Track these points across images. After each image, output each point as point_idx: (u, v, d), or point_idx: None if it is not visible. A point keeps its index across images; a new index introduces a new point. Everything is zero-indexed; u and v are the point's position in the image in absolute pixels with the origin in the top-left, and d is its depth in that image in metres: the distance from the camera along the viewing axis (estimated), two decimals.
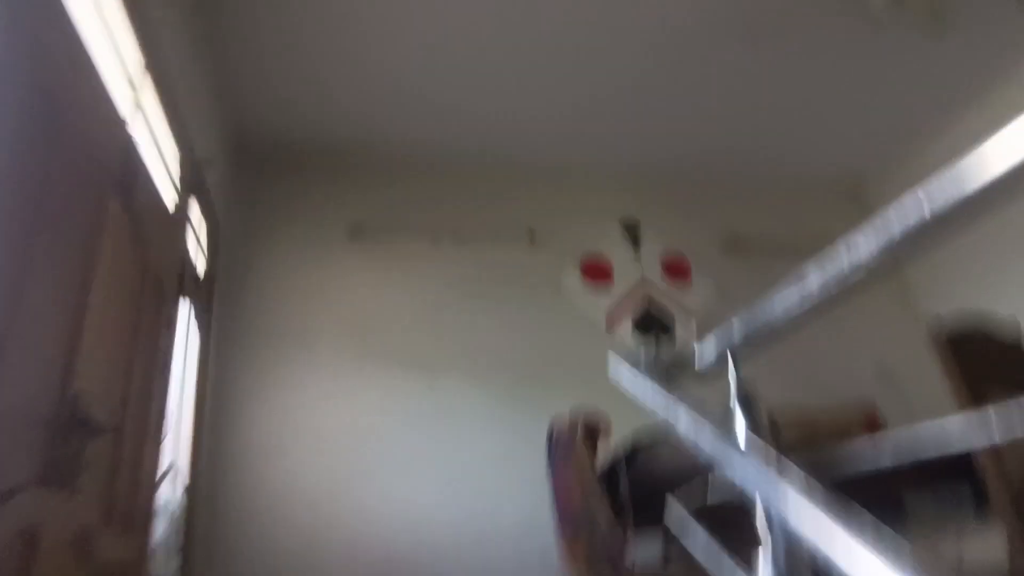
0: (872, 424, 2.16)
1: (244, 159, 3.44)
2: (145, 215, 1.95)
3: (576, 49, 3.16)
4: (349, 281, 3.32)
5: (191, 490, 2.38)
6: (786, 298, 0.84)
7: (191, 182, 2.50)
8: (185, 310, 2.47)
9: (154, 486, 2.04)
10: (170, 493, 2.21)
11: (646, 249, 3.87)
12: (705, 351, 1.08)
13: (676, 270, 3.86)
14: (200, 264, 2.72)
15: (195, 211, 2.64)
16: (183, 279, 2.36)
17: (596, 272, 3.71)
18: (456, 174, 3.77)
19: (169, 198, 2.25)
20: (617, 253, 3.81)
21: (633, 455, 1.95)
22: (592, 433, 1.88)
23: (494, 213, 3.71)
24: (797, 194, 4.36)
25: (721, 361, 1.04)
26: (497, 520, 2.92)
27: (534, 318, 3.49)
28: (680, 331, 3.68)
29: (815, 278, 0.78)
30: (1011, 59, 3.46)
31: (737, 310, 0.99)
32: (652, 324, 3.65)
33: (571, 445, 1.93)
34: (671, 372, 1.11)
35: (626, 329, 3.58)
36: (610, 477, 1.85)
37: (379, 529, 2.77)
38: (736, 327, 0.98)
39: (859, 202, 4.49)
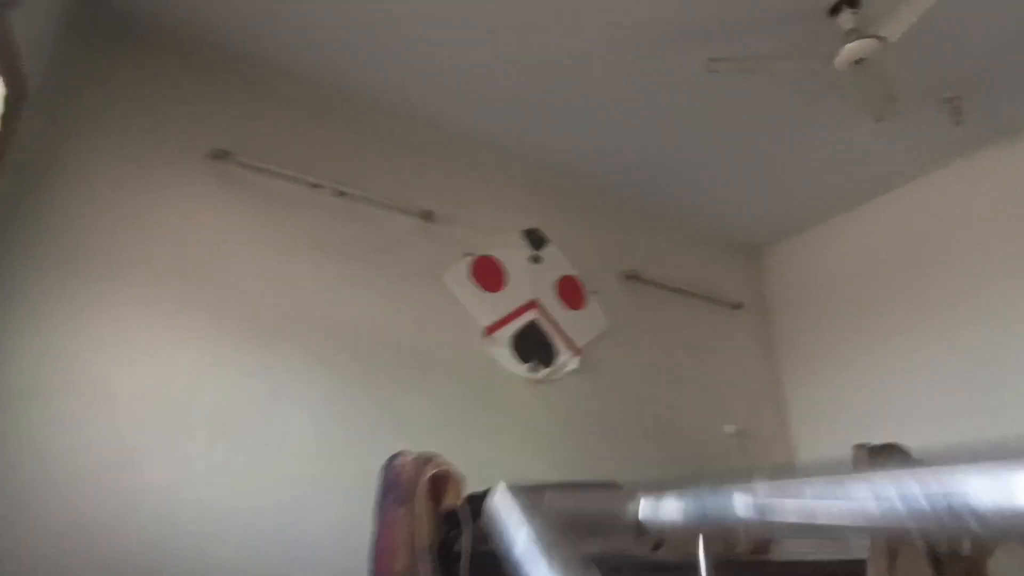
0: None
1: (91, 18, 2.68)
2: None
3: (524, 21, 2.76)
4: (195, 207, 2.67)
5: None
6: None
7: None
8: None
9: None
10: None
11: (545, 265, 3.54)
12: (664, 511, 0.71)
13: (571, 293, 3.57)
14: None
15: None
16: None
17: (486, 274, 3.32)
18: (359, 124, 3.23)
19: None
20: (513, 261, 3.44)
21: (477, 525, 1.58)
22: (438, 488, 1.47)
23: (392, 178, 3.21)
24: (699, 245, 4.27)
25: (680, 532, 0.68)
26: (311, 536, 2.44)
27: (408, 303, 3.04)
28: (561, 360, 3.38)
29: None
30: (929, 157, 3.53)
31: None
32: (533, 347, 3.32)
33: (410, 493, 1.52)
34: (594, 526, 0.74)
35: (503, 343, 3.23)
36: (447, 547, 1.46)
37: (161, 517, 2.19)
38: (736, 500, 0.61)
39: (755, 264, 4.48)
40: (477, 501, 1.75)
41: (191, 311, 2.51)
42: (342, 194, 3.01)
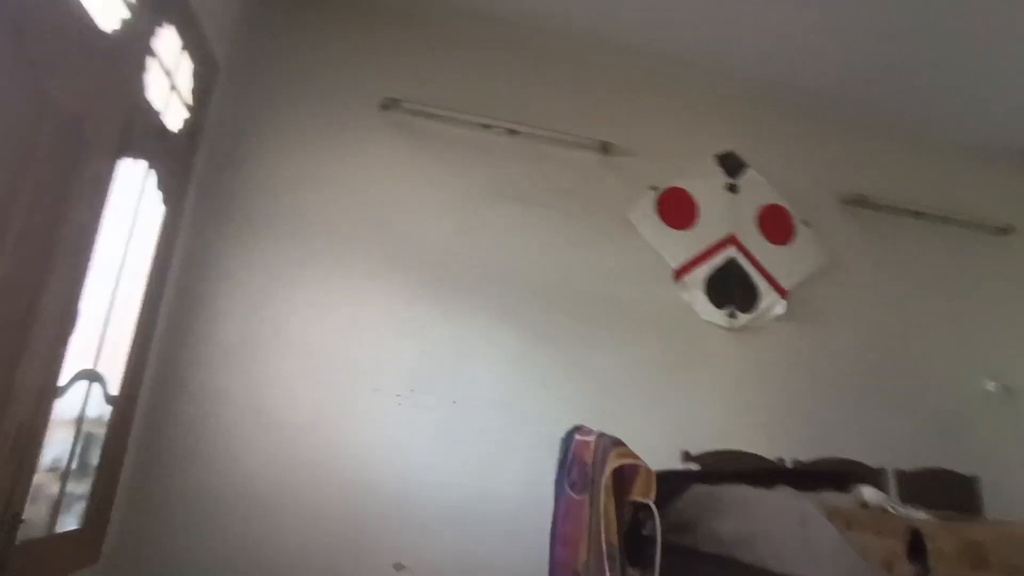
0: None
1: None
2: (44, 30, 1.31)
3: None
4: (371, 161, 2.66)
5: (121, 401, 1.91)
6: None
7: None
8: (138, 172, 1.88)
9: (50, 393, 1.55)
10: (81, 404, 1.72)
11: (744, 194, 3.06)
12: None
13: (776, 226, 3.06)
14: (174, 115, 2.10)
15: (168, 41, 1.98)
16: (131, 129, 1.75)
17: (677, 208, 2.95)
18: (528, 54, 2.97)
19: (110, 13, 1.59)
20: (707, 192, 3.02)
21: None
22: (625, 481, 1.26)
23: (565, 111, 2.93)
24: (949, 157, 3.42)
25: None
26: (499, 485, 2.41)
27: (591, 244, 2.81)
28: (764, 305, 2.94)
29: None
30: None
31: None
32: (731, 289, 2.92)
33: (593, 480, 1.33)
34: None
35: (696, 285, 2.87)
36: (635, 529, 1.26)
37: (357, 475, 2.30)
38: None
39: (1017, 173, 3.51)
40: (671, 481, 1.53)
41: (381, 270, 2.53)
42: (514, 132, 2.82)
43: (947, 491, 2.56)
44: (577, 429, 1.59)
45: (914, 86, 3.02)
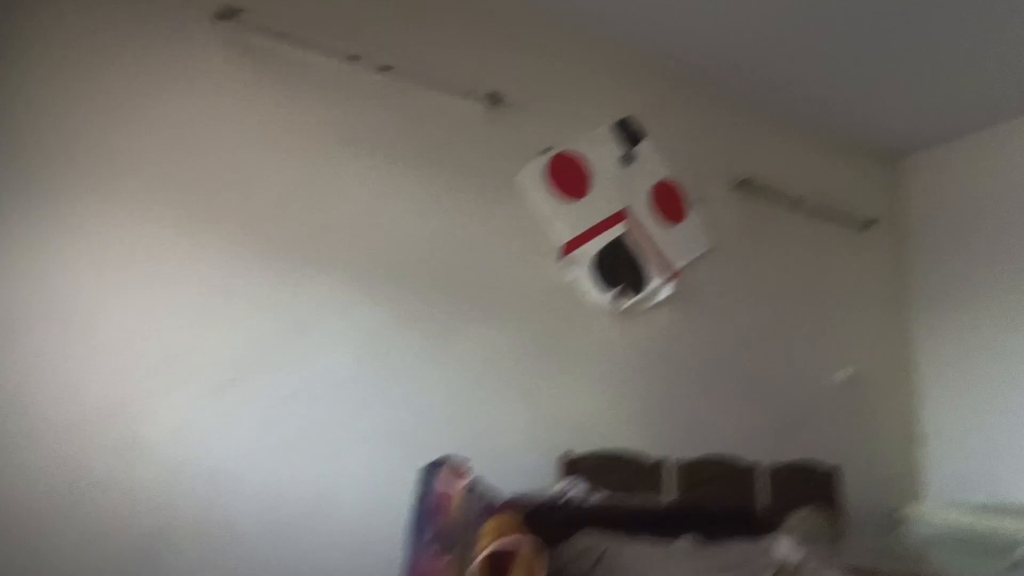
0: None
1: None
2: None
3: None
4: (197, 86, 2.07)
5: None
6: None
7: None
8: None
9: None
10: None
11: (638, 167, 2.83)
12: None
13: (669, 203, 2.88)
14: None
15: None
16: None
17: (569, 176, 2.66)
18: None
19: None
20: (601, 161, 2.74)
21: None
22: (501, 563, 0.95)
23: (451, 50, 2.50)
24: (827, 151, 3.43)
25: None
26: (340, 493, 2.05)
27: (469, 210, 2.45)
28: (652, 286, 2.76)
29: None
30: None
31: None
32: (620, 269, 2.70)
33: (459, 543, 1.01)
34: None
35: (584, 263, 2.62)
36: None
37: (157, 485, 1.82)
38: None
39: (892, 177, 3.61)
40: (554, 519, 1.25)
41: (195, 227, 1.98)
42: (386, 69, 2.34)
43: (811, 483, 2.57)
44: (442, 463, 1.26)
45: (803, 77, 2.93)
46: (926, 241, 3.46)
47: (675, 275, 2.80)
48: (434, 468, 1.28)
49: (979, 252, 3.21)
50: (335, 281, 2.18)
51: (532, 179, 2.58)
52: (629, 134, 2.83)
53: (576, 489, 1.72)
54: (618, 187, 2.76)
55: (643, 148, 2.84)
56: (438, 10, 2.50)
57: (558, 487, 1.88)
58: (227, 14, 2.12)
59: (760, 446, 2.75)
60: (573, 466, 2.12)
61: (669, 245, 2.83)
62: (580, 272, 2.62)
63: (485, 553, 0.91)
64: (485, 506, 1.02)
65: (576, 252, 2.62)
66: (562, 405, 2.48)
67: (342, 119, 2.27)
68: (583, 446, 2.36)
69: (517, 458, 2.29)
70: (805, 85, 2.99)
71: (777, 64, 2.85)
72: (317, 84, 2.25)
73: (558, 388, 2.50)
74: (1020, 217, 3.07)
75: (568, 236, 2.61)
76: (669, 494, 2.26)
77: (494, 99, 2.50)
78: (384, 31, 2.38)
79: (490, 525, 0.96)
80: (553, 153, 2.63)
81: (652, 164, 2.85)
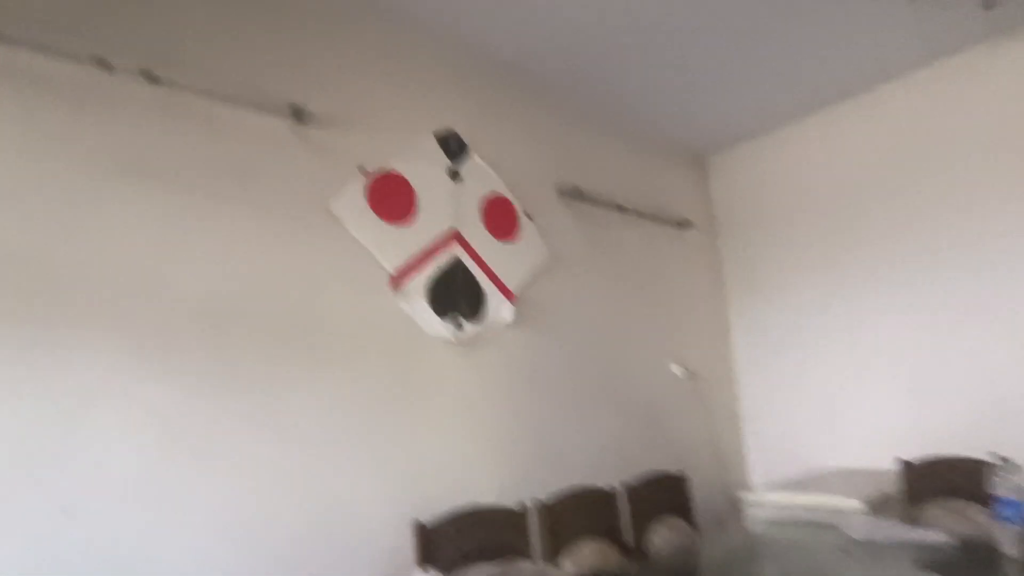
0: None
1: None
2: None
3: None
4: None
5: None
6: None
7: None
8: None
9: None
10: None
11: (467, 183, 2.64)
12: None
13: (501, 219, 2.73)
14: None
15: None
16: None
17: (393, 196, 2.39)
18: None
19: None
20: (427, 178, 2.51)
21: None
22: None
23: (241, 56, 2.10)
24: (643, 155, 3.53)
25: None
26: None
27: (280, 244, 2.09)
28: (492, 311, 2.59)
29: None
30: (930, 48, 2.89)
31: None
32: (456, 295, 2.49)
33: None
34: None
35: (418, 293, 2.37)
36: None
37: None
38: None
39: (703, 177, 3.83)
40: None
41: None
42: (155, 80, 1.89)
43: (666, 495, 2.58)
44: None
45: (620, 81, 2.95)
46: (735, 238, 3.72)
47: (512, 296, 2.66)
48: None
49: (780, 244, 3.50)
50: (111, 350, 1.70)
51: (351, 203, 2.27)
52: (454, 147, 2.62)
53: None
54: (446, 206, 2.54)
55: (469, 162, 2.66)
56: (221, 8, 2.08)
57: None
58: None
59: (620, 461, 2.73)
60: (428, 539, 1.87)
61: (505, 264, 2.68)
62: (416, 303, 2.37)
63: None
64: None
65: (408, 281, 2.36)
66: (416, 457, 2.22)
67: (103, 142, 1.78)
68: (444, 502, 2.12)
69: (374, 532, 2.00)
70: (621, 90, 3.01)
71: (594, 68, 2.82)
72: (67, 99, 1.74)
73: (409, 437, 2.24)
74: (811, 209, 3.39)
75: (398, 264, 2.34)
76: (536, 543, 2.10)
77: (298, 114, 2.15)
78: (149, 33, 1.91)
79: None
80: (373, 173, 2.34)
81: (479, 178, 2.68)
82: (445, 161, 2.58)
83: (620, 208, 3.22)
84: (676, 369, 3.32)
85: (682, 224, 3.54)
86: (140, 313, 1.76)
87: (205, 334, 1.86)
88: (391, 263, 2.33)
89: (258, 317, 1.97)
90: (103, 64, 1.80)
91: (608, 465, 2.76)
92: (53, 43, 1.70)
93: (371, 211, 2.31)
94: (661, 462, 2.93)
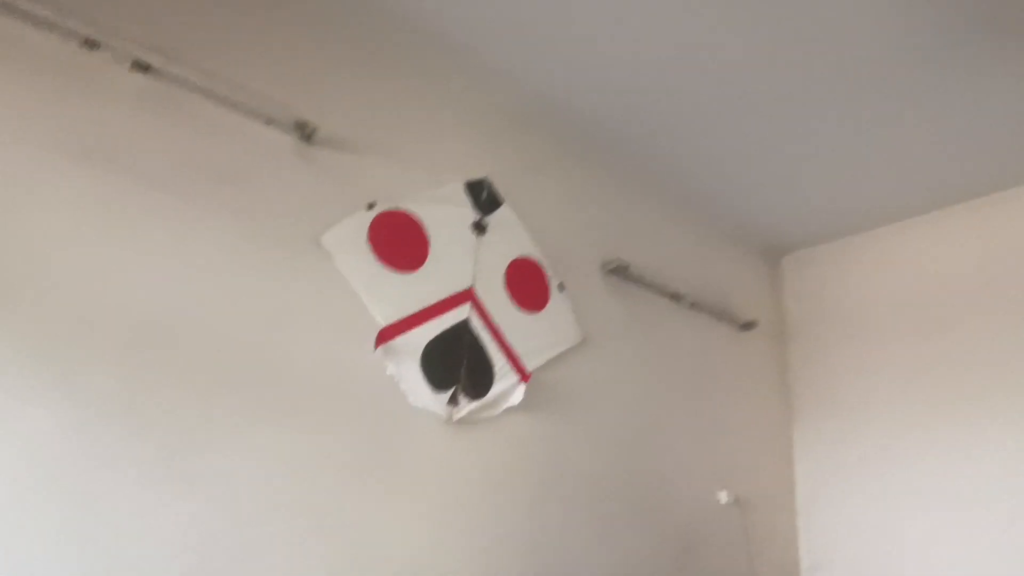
0: None
1: None
2: None
3: None
4: None
5: None
6: None
7: None
8: None
9: None
10: None
11: (493, 238, 2.29)
12: None
13: (527, 286, 2.35)
14: None
15: None
16: None
17: (400, 239, 2.07)
18: None
19: None
20: (445, 225, 2.18)
21: None
22: None
23: (250, 58, 1.89)
24: (709, 242, 3.11)
25: None
26: None
27: (256, 270, 1.78)
28: (499, 390, 2.16)
29: None
30: None
31: None
32: (457, 364, 2.09)
33: None
34: None
35: (410, 354, 1.98)
36: None
37: None
38: None
39: (776, 276, 3.35)
40: None
41: None
42: (147, 69, 1.68)
43: None
44: None
45: (689, 156, 2.60)
46: (806, 345, 3.17)
47: (526, 376, 2.23)
48: None
49: (859, 358, 2.93)
50: (27, 364, 1.39)
51: (348, 239, 1.95)
52: (486, 197, 2.30)
53: None
54: (463, 261, 2.19)
55: (500, 217, 2.32)
56: (236, 4, 1.89)
57: None
58: None
59: None
60: None
61: (524, 338, 2.27)
62: (405, 366, 1.98)
63: None
64: None
65: (399, 339, 1.98)
66: (379, 552, 1.77)
67: (87, 131, 1.56)
68: None
69: None
70: (690, 166, 2.65)
71: (662, 137, 2.49)
72: (49, 81, 1.55)
73: (372, 525, 1.79)
74: (898, 323, 2.83)
75: (392, 317, 1.98)
76: None
77: (304, 131, 1.89)
78: (147, 16, 1.73)
79: None
80: (381, 209, 2.04)
81: (509, 237, 2.33)
82: (471, 211, 2.26)
83: (674, 296, 2.77)
84: (723, 495, 2.73)
85: (747, 324, 3.04)
86: (48, 318, 1.46)
87: (128, 356, 1.53)
88: (383, 314, 1.97)
89: (202, 346, 1.64)
90: (89, 43, 1.60)
91: None
92: (40, 14, 1.51)
93: (371, 251, 1.99)
94: None
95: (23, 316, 1.43)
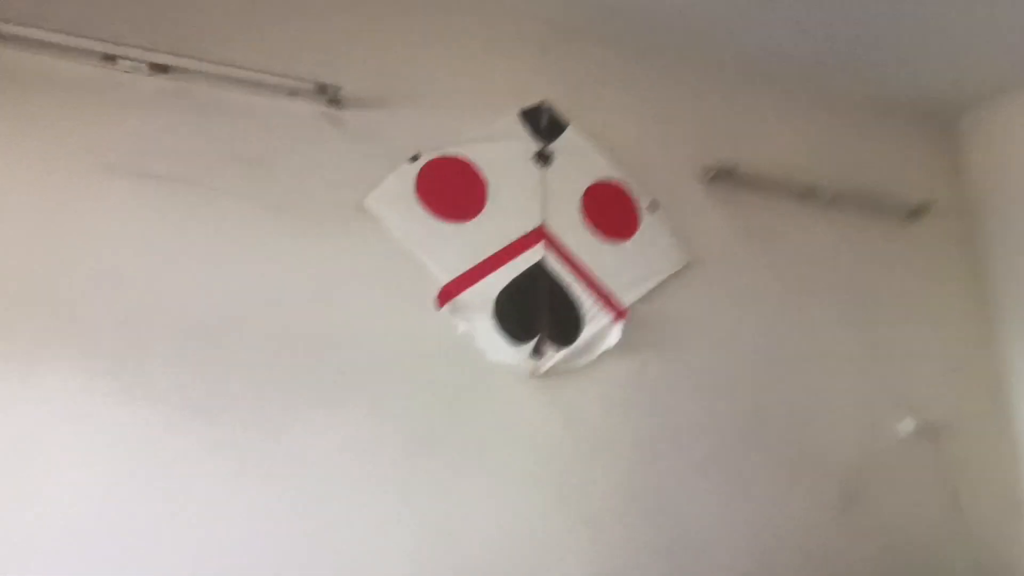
0: None
1: None
2: None
3: None
4: None
5: None
6: None
7: None
8: None
9: None
10: None
11: (561, 167, 2.04)
12: None
13: (609, 212, 2.07)
14: None
15: None
16: None
17: (452, 188, 1.91)
18: None
19: None
20: (502, 163, 1.98)
21: None
22: None
23: (260, 33, 1.83)
24: (847, 115, 2.53)
25: None
26: None
27: (299, 249, 1.74)
28: (590, 333, 1.93)
29: None
30: None
31: None
32: (537, 312, 1.89)
33: None
34: None
35: (481, 308, 1.83)
36: None
37: None
38: None
39: (949, 144, 2.66)
40: None
41: None
42: (166, 70, 1.69)
43: None
44: None
45: (806, 20, 2.07)
46: (1003, 224, 2.49)
47: (622, 314, 1.96)
48: None
49: None
50: (78, 369, 1.48)
51: (394, 197, 1.84)
52: (546, 123, 2.06)
53: None
54: (530, 198, 1.98)
55: (565, 141, 2.06)
56: None
57: None
58: None
59: (801, 560, 1.85)
60: None
61: (614, 271, 2.00)
62: (477, 322, 1.83)
63: None
64: None
65: (466, 294, 1.84)
66: (466, 524, 1.68)
67: (100, 139, 1.62)
68: None
69: None
70: (809, 16, 2.12)
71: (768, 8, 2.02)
72: (61, 96, 1.62)
73: (457, 497, 1.70)
74: None
75: (454, 272, 1.84)
76: None
77: (329, 94, 1.79)
78: (155, 20, 1.73)
79: None
80: (427, 160, 1.89)
81: (580, 161, 2.06)
82: (530, 141, 2.02)
83: (804, 194, 2.30)
84: (906, 424, 2.24)
85: (916, 211, 2.45)
86: (116, 326, 1.52)
87: (191, 351, 1.56)
88: (445, 270, 1.83)
89: (261, 335, 1.63)
90: (107, 58, 1.64)
91: (781, 567, 1.88)
92: (34, 35, 1.57)
93: (421, 205, 1.86)
94: (875, 568, 1.95)
95: (100, 326, 1.51)
